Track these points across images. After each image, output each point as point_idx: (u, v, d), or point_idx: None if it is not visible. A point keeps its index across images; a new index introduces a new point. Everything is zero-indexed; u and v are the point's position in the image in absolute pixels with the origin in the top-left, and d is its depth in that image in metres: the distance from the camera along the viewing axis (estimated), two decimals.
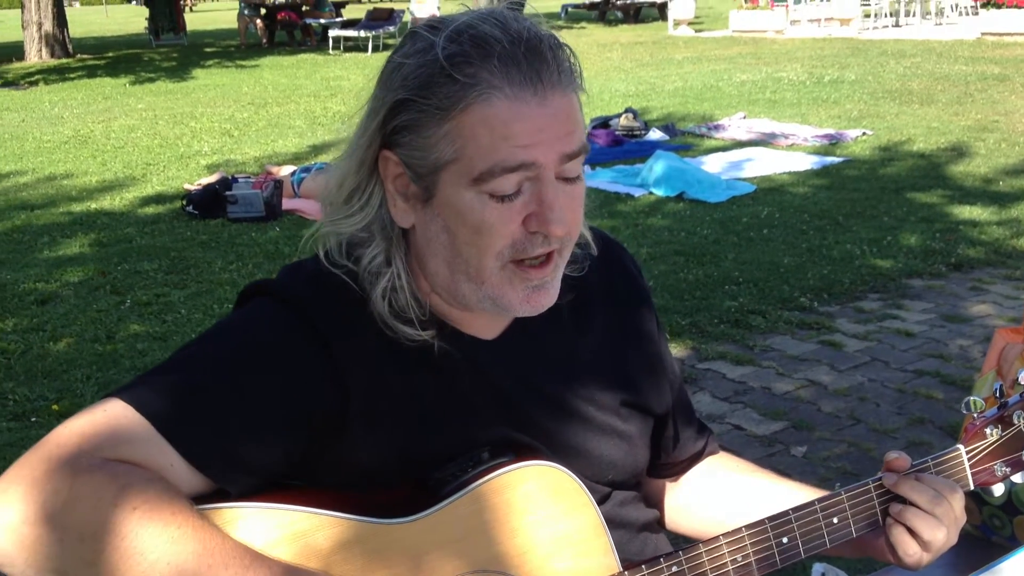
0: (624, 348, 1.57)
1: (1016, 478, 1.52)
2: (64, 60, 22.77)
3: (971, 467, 1.53)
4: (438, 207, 1.35)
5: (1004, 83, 14.28)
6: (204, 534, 1.21)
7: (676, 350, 5.35)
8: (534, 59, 1.29)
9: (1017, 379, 1.49)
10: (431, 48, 1.30)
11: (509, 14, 1.33)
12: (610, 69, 17.97)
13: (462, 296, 1.39)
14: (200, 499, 1.29)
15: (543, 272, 1.37)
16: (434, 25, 1.33)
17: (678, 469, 1.73)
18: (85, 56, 23.71)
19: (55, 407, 4.81)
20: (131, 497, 1.19)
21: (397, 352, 1.39)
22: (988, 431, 1.51)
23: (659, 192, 8.61)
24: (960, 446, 1.53)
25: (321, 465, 1.37)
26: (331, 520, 1.29)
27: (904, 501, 1.47)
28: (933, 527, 1.45)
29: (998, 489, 1.53)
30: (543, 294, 1.38)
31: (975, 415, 1.52)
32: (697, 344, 5.43)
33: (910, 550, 1.46)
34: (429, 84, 1.30)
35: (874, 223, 7.54)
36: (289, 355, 1.35)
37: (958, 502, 1.47)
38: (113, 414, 1.26)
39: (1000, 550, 1.69)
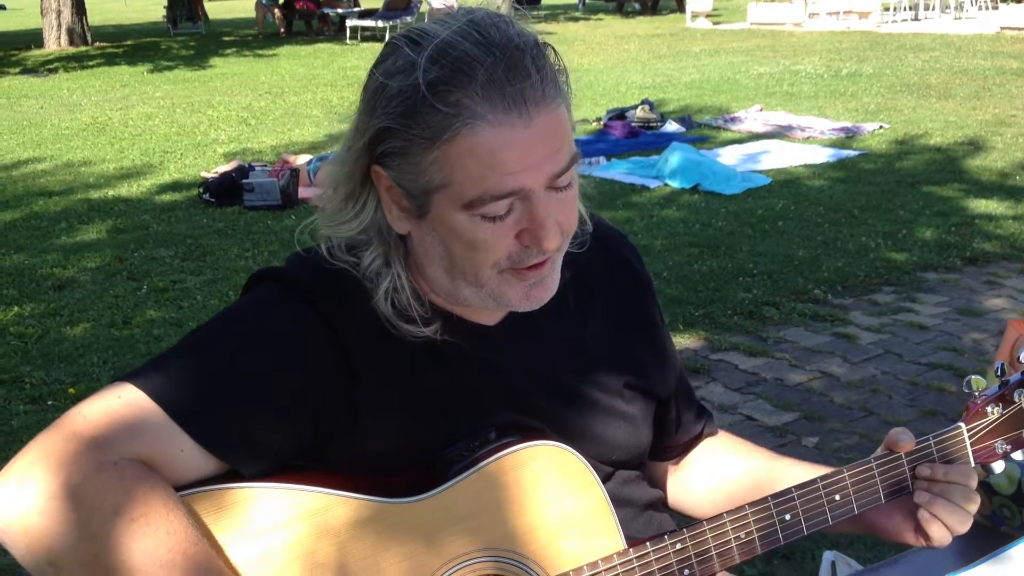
0: (626, 333, 1.59)
1: (1017, 455, 1.53)
2: (82, 48, 22.83)
3: (972, 445, 1.54)
4: (432, 223, 1.36)
5: (1022, 77, 14.21)
6: (195, 560, 1.22)
7: (689, 341, 5.36)
8: (517, 78, 1.27)
9: (1018, 358, 1.51)
10: (412, 69, 1.27)
11: (490, 23, 1.30)
12: (627, 61, 17.93)
13: (464, 298, 1.42)
14: (214, 479, 1.31)
15: (540, 271, 1.39)
16: (415, 39, 1.30)
17: (679, 451, 1.75)
18: (103, 44, 23.79)
19: (71, 391, 4.86)
20: (132, 506, 1.21)
21: (402, 340, 1.41)
22: (989, 409, 1.53)
23: (674, 184, 8.60)
24: (961, 424, 1.55)
25: (331, 449, 1.39)
26: (343, 500, 1.32)
27: (913, 479, 1.51)
28: (964, 520, 1.50)
29: (998, 466, 1.55)
30: (542, 289, 1.40)
31: (976, 394, 1.54)
32: (710, 335, 5.44)
33: (934, 529, 1.51)
34: (412, 113, 1.28)
35: (889, 216, 7.53)
36: (299, 341, 1.37)
37: (974, 481, 1.51)
38: (126, 400, 1.28)
39: (1009, 540, 1.71)
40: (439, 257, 1.39)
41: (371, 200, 1.40)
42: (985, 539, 1.81)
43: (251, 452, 1.32)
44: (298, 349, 1.36)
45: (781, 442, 4.26)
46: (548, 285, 1.41)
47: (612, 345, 1.56)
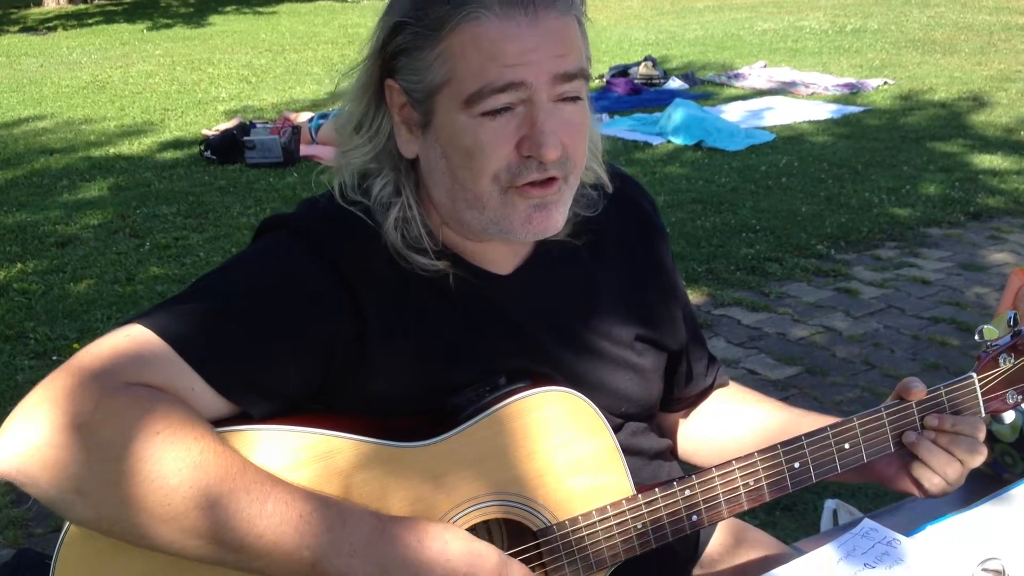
0: (640, 284, 1.59)
1: None
2: (81, 6, 22.66)
3: (983, 395, 1.55)
4: (436, 133, 1.36)
5: None
6: (225, 459, 1.22)
7: (692, 296, 5.36)
8: None
9: None
10: None
11: None
12: (630, 17, 17.77)
13: (467, 224, 1.41)
14: (221, 422, 1.31)
15: (545, 190, 1.36)
16: None
17: (689, 403, 1.76)
18: (102, 2, 23.58)
19: (76, 346, 4.86)
20: (154, 421, 1.20)
21: (412, 284, 1.41)
22: (1001, 359, 1.53)
23: (677, 141, 8.56)
24: (973, 374, 1.54)
25: (341, 392, 1.40)
26: (351, 443, 1.32)
27: (923, 428, 1.51)
28: (961, 472, 1.51)
29: (1008, 416, 1.55)
30: (545, 215, 1.37)
31: (988, 343, 1.54)
32: (713, 291, 5.44)
33: (935, 482, 1.52)
34: (423, 5, 1.33)
35: (893, 172, 7.50)
36: (306, 284, 1.37)
37: (982, 433, 1.51)
38: (135, 338, 1.28)
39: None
40: (442, 175, 1.39)
41: (384, 124, 1.41)
42: (986, 486, 1.82)
43: (259, 393, 1.32)
44: (306, 293, 1.37)
45: (784, 396, 4.27)
46: (552, 213, 1.38)
47: (625, 297, 1.56)
